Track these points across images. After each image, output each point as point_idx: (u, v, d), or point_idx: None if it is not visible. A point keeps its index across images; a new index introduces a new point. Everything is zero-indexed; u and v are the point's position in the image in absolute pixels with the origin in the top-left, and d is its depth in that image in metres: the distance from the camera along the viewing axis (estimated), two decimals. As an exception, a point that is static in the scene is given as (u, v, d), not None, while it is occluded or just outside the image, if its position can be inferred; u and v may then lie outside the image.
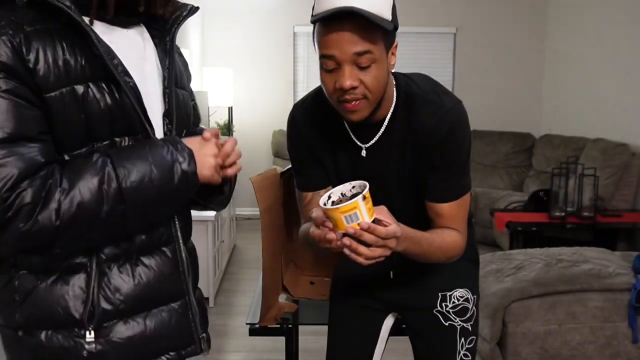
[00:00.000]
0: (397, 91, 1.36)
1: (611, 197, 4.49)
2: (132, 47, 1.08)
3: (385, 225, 1.17)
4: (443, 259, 1.42)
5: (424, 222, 1.43)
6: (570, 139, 5.23)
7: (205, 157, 1.07)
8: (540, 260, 2.84)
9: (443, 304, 1.55)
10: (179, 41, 1.25)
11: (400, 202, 1.42)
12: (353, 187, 1.21)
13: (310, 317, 1.93)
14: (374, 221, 1.16)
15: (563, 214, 4.07)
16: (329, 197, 1.20)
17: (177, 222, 1.13)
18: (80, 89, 0.98)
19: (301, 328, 2.17)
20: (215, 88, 5.40)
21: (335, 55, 1.21)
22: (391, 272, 1.57)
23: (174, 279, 1.12)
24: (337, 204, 1.17)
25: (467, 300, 1.56)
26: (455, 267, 1.51)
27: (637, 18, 4.65)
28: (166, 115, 1.12)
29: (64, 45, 0.97)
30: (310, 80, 6.35)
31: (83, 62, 0.98)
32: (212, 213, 3.85)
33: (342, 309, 1.65)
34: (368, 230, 1.14)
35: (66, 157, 1.00)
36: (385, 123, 1.36)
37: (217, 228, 4.03)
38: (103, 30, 1.03)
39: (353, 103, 1.24)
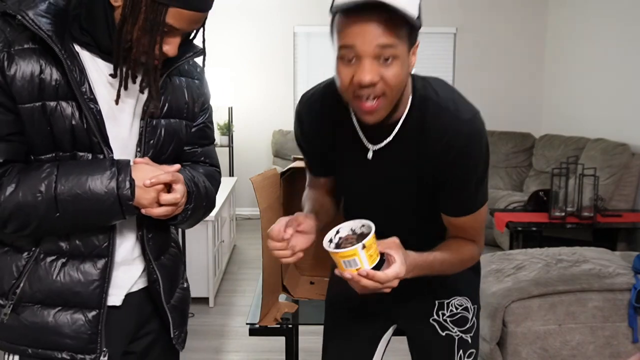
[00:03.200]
0: (412, 94, 1.27)
1: (611, 197, 4.49)
2: (115, 81, 1.18)
3: (390, 263, 1.16)
4: (458, 269, 1.38)
5: (432, 230, 1.38)
6: (570, 139, 5.23)
7: (148, 188, 1.16)
8: (540, 260, 2.84)
9: (440, 312, 1.47)
10: None
11: (405, 212, 1.37)
12: (362, 225, 1.20)
13: (310, 317, 1.93)
14: (378, 263, 1.16)
15: (563, 214, 4.07)
16: (337, 232, 1.20)
17: (116, 240, 1.23)
18: (50, 105, 1.13)
19: (301, 328, 2.17)
20: (215, 88, 5.40)
21: (356, 45, 1.11)
22: None
23: (94, 289, 1.21)
24: (342, 242, 1.19)
25: (466, 309, 1.48)
26: (455, 274, 1.44)
27: (636, 18, 4.65)
28: (138, 145, 1.23)
29: (43, 65, 1.12)
30: (310, 80, 6.34)
31: (57, 83, 1.12)
32: (212, 213, 3.84)
33: (338, 319, 1.59)
34: (367, 277, 1.14)
35: (32, 158, 1.16)
36: (398, 126, 1.26)
37: (217, 228, 4.03)
38: (94, 59, 1.17)
39: (371, 104, 1.16)
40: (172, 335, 1.36)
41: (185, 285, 1.45)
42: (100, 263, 1.21)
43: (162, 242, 1.34)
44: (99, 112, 1.15)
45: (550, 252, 2.96)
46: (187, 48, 1.27)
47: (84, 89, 1.13)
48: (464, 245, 1.35)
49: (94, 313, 1.21)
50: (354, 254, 1.13)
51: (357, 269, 1.14)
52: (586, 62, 5.42)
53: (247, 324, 1.83)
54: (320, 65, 6.26)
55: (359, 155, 1.32)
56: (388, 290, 1.18)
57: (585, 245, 3.36)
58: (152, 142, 1.24)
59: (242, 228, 5.79)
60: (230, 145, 6.02)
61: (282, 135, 6.20)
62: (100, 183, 1.13)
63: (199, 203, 1.30)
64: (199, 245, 3.78)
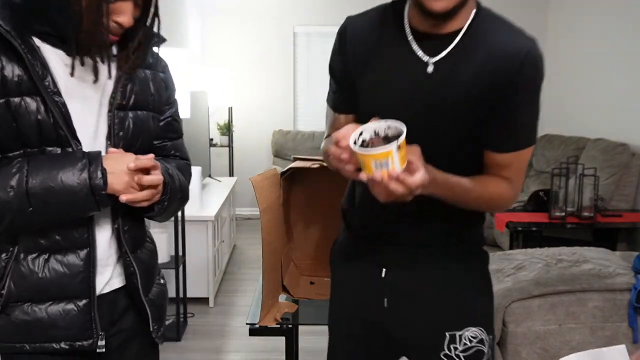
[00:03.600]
0: (477, 7, 1.22)
1: (611, 197, 4.48)
2: (80, 73, 1.19)
3: (414, 170, 1.08)
4: (484, 208, 1.30)
5: (478, 163, 1.28)
6: (570, 139, 5.23)
7: (120, 173, 1.16)
8: (540, 260, 2.84)
9: (452, 346, 1.31)
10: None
11: (460, 135, 1.25)
12: (388, 127, 1.10)
13: (310, 317, 1.93)
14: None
15: (563, 214, 4.07)
16: (360, 134, 1.11)
17: (95, 230, 1.24)
18: (14, 101, 1.12)
19: (301, 328, 2.17)
20: (215, 88, 5.40)
21: None
22: (385, 300, 1.36)
23: (81, 279, 1.22)
24: (368, 145, 1.10)
25: (481, 341, 1.31)
26: (466, 299, 1.33)
27: (636, 18, 4.65)
28: (108, 137, 1.24)
29: (4, 62, 1.12)
30: (310, 80, 6.34)
31: (20, 78, 1.12)
32: (212, 213, 3.85)
33: (344, 354, 1.46)
34: (397, 179, 1.06)
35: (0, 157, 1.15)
36: (461, 34, 1.20)
37: (217, 228, 4.03)
38: (56, 51, 1.17)
39: None
40: (151, 329, 1.36)
41: (162, 281, 1.45)
42: (83, 253, 1.22)
43: (138, 236, 1.35)
44: (64, 104, 1.16)
45: (550, 252, 2.95)
46: (149, 37, 1.27)
47: (46, 83, 1.14)
48: (498, 182, 1.25)
49: (85, 301, 1.23)
50: (388, 154, 1.05)
51: (387, 171, 1.06)
52: (586, 62, 5.42)
53: (247, 324, 1.83)
54: (320, 65, 6.27)
55: (416, 71, 1.22)
56: (409, 198, 1.10)
57: (585, 245, 3.36)
58: (121, 134, 1.25)
59: (242, 228, 5.79)
60: (230, 145, 6.02)
61: (282, 135, 6.20)
62: (72, 175, 1.13)
63: (174, 195, 1.31)
64: (199, 245, 3.79)
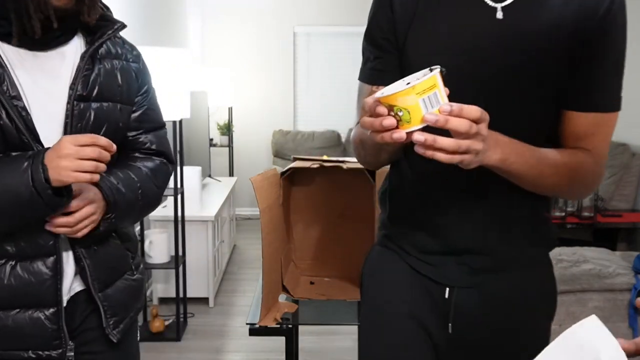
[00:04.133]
0: None
1: (611, 197, 4.49)
2: (43, 69, 1.19)
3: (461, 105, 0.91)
4: (562, 187, 1.10)
5: (554, 134, 1.12)
6: (570, 139, 5.24)
7: (58, 163, 1.10)
8: (540, 260, 2.84)
9: None
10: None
11: (536, 93, 1.08)
12: (407, 83, 0.94)
13: (310, 317, 1.93)
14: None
15: (563, 214, 4.07)
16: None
17: (62, 237, 1.20)
18: None
19: (301, 328, 2.17)
20: (215, 88, 5.40)
21: None
22: (450, 326, 1.17)
23: (48, 287, 1.20)
24: None
25: None
26: (534, 329, 1.19)
27: (636, 18, 4.65)
28: (65, 130, 1.20)
29: None
30: (310, 80, 6.35)
31: None
32: (212, 213, 3.85)
33: None
34: (452, 113, 0.85)
35: None
36: None
37: (217, 228, 4.03)
38: (17, 50, 1.15)
39: None
40: (104, 325, 1.29)
41: (134, 276, 1.38)
42: (50, 261, 1.19)
43: (93, 234, 1.27)
44: (24, 108, 1.13)
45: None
46: (106, 25, 1.25)
47: (4, 87, 1.12)
48: (576, 151, 1.08)
49: (52, 310, 1.20)
50: (433, 84, 0.86)
51: (439, 108, 0.87)
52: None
53: (247, 324, 1.83)
54: (320, 65, 6.27)
55: (483, 18, 1.06)
56: (479, 145, 0.90)
57: (585, 245, 3.36)
58: (79, 125, 1.21)
59: (242, 228, 5.79)
60: (230, 145, 6.02)
61: (282, 135, 6.20)
62: (15, 176, 1.09)
63: (129, 208, 1.28)
64: (199, 245, 3.78)
